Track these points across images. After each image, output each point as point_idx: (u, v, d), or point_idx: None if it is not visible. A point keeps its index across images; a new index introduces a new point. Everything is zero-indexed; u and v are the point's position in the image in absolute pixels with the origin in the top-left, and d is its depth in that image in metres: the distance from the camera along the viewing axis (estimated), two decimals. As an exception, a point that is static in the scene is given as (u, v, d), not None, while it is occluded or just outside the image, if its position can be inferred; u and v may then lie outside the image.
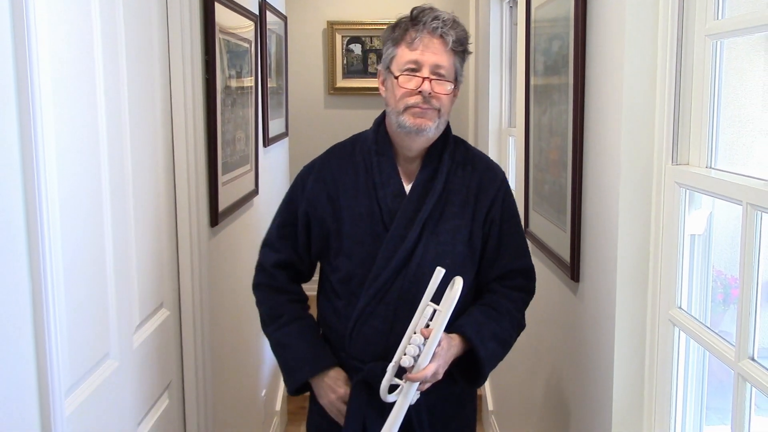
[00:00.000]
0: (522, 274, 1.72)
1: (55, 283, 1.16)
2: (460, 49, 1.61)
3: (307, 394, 1.75)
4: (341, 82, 4.74)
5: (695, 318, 1.44)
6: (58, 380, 1.16)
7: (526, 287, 1.74)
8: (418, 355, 1.48)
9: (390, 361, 1.50)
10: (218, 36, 2.16)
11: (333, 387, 1.66)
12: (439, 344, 1.50)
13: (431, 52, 1.57)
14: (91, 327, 1.39)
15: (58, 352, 1.15)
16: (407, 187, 1.65)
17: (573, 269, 1.85)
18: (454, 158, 1.68)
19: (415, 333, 1.49)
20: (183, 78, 1.90)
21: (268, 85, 3.21)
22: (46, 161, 1.12)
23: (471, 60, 4.35)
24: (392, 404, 1.51)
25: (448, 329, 1.59)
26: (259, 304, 1.80)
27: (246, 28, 2.62)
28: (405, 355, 1.47)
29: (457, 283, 1.49)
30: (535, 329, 2.35)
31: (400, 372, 1.50)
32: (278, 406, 3.53)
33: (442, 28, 1.57)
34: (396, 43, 1.61)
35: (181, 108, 1.91)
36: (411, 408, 1.58)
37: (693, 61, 1.42)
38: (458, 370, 1.64)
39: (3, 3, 1.02)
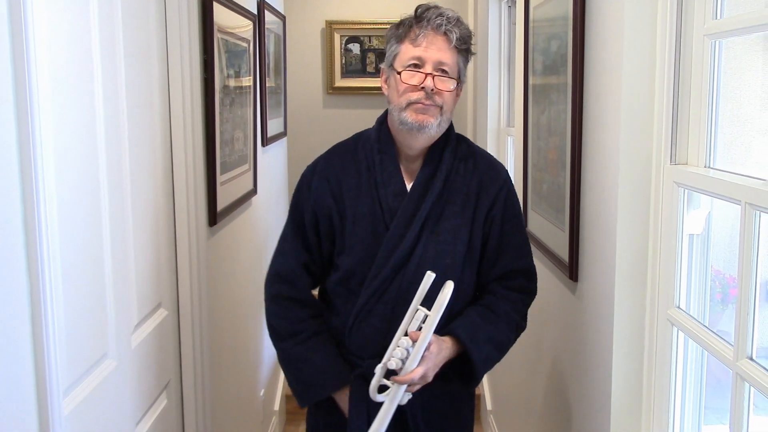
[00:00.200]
0: (523, 274, 1.71)
1: (53, 282, 1.16)
2: (464, 47, 1.61)
3: None
4: (340, 82, 4.74)
5: (694, 317, 1.44)
6: (56, 380, 1.15)
7: (527, 288, 1.74)
8: (407, 358, 1.48)
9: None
10: (217, 35, 2.16)
11: None
12: (428, 348, 1.50)
13: (435, 49, 1.57)
14: (90, 327, 1.38)
15: (56, 352, 1.15)
16: (409, 186, 1.65)
17: (572, 269, 1.85)
18: (456, 156, 1.68)
19: (405, 335, 1.49)
20: (181, 77, 1.90)
21: (267, 85, 3.21)
22: (44, 161, 1.12)
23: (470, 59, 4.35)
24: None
25: (443, 331, 1.59)
26: (274, 317, 1.72)
27: (244, 27, 2.62)
28: (393, 357, 1.48)
29: (447, 288, 1.49)
30: (533, 329, 2.35)
31: (392, 373, 1.50)
32: (277, 405, 3.53)
33: (446, 25, 1.57)
34: (400, 40, 1.61)
35: (180, 107, 1.91)
36: (406, 406, 1.59)
37: (692, 60, 1.42)
38: (453, 371, 1.64)
39: (1, 2, 1.02)
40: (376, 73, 4.58)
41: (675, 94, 1.45)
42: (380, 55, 4.65)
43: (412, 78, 1.57)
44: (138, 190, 1.64)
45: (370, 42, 4.76)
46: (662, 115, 1.48)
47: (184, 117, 1.92)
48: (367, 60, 4.76)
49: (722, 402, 1.43)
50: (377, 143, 1.67)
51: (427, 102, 1.56)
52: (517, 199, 1.75)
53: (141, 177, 1.66)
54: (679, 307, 1.48)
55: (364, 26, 4.71)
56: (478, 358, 1.60)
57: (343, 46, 4.75)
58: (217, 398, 2.27)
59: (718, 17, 1.37)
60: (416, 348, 1.48)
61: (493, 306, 1.66)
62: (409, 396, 1.53)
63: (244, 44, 2.62)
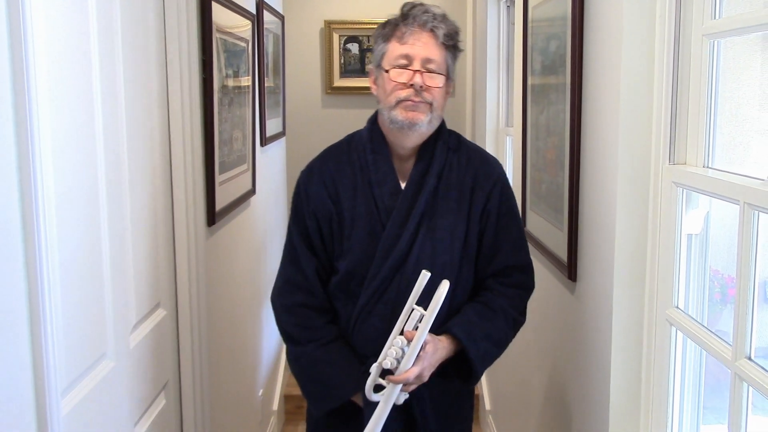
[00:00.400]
0: (519, 269, 1.71)
1: (52, 282, 1.16)
2: (451, 44, 1.61)
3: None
4: (338, 82, 4.74)
5: (692, 317, 1.44)
6: (54, 380, 1.15)
7: (524, 283, 1.73)
8: (402, 357, 1.48)
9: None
10: (215, 35, 2.16)
11: None
12: (423, 347, 1.50)
13: (422, 46, 1.56)
14: (88, 327, 1.38)
15: (54, 352, 1.15)
16: (403, 186, 1.65)
17: (570, 269, 1.85)
18: (448, 152, 1.67)
19: (401, 334, 1.49)
20: (180, 77, 1.90)
21: (266, 85, 3.21)
22: (42, 160, 1.12)
23: (468, 60, 4.35)
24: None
25: (440, 329, 1.59)
26: (293, 326, 1.68)
27: (243, 27, 2.62)
28: (388, 357, 1.47)
29: (443, 287, 1.48)
30: (532, 329, 2.35)
31: (388, 373, 1.50)
32: (275, 406, 3.52)
33: (432, 22, 1.57)
34: (386, 39, 1.61)
35: (178, 107, 1.91)
36: (414, 402, 1.60)
37: (690, 60, 1.42)
38: (452, 369, 1.64)
39: (0, 2, 1.02)
40: (375, 73, 4.57)
41: (673, 94, 1.45)
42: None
43: (401, 76, 1.56)
44: (136, 190, 1.64)
45: (368, 42, 4.76)
46: (661, 115, 1.48)
47: (182, 117, 1.92)
48: (366, 60, 4.76)
49: (721, 402, 1.43)
50: (370, 143, 1.67)
51: (417, 99, 1.56)
52: (513, 194, 1.74)
53: (139, 177, 1.66)
54: (677, 307, 1.48)
55: (362, 26, 4.71)
56: (476, 355, 1.59)
57: (341, 45, 4.75)
58: (216, 398, 2.27)
59: (717, 17, 1.37)
60: (411, 347, 1.48)
61: (490, 302, 1.65)
62: (405, 396, 1.53)
63: (243, 44, 2.62)
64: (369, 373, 1.51)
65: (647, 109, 1.50)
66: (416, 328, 1.49)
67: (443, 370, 1.60)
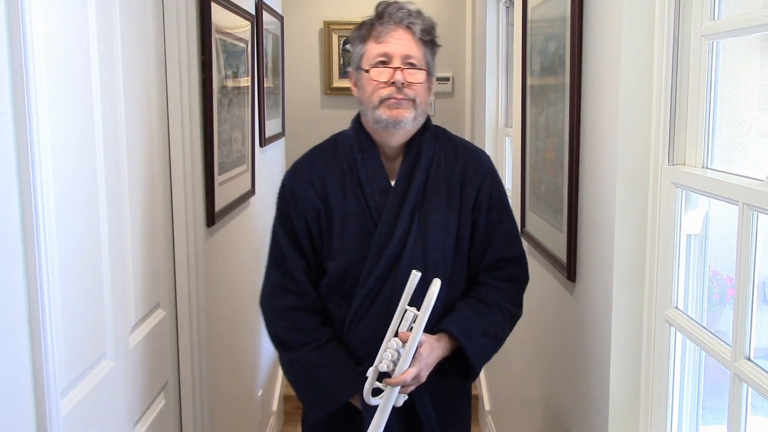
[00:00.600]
0: (513, 262, 1.69)
1: (51, 283, 1.16)
2: (429, 39, 1.60)
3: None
4: (338, 82, 4.74)
5: (691, 318, 1.44)
6: (53, 381, 1.15)
7: (519, 275, 1.71)
8: (398, 359, 1.47)
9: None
10: (215, 36, 2.16)
11: None
12: (419, 348, 1.49)
13: (400, 43, 1.56)
14: (87, 327, 1.38)
15: (53, 353, 1.15)
16: (393, 183, 1.63)
17: (569, 269, 1.85)
18: (435, 147, 1.66)
19: (395, 336, 1.48)
20: (179, 78, 1.90)
21: (265, 85, 3.21)
22: (41, 162, 1.12)
23: (468, 60, 4.35)
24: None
25: (436, 328, 1.58)
26: (284, 330, 1.64)
27: (242, 28, 2.62)
28: (384, 360, 1.46)
29: (434, 286, 1.48)
30: (531, 329, 2.35)
31: (385, 375, 1.49)
32: (275, 406, 3.52)
33: (408, 18, 1.57)
34: (363, 40, 1.60)
35: (178, 108, 1.91)
36: (416, 401, 1.59)
37: (689, 61, 1.43)
38: (450, 367, 1.63)
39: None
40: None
41: (672, 95, 1.45)
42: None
43: (381, 74, 1.56)
44: (136, 191, 1.64)
45: (368, 42, 4.76)
46: (660, 115, 1.48)
47: (182, 117, 1.92)
48: (365, 60, 4.76)
49: (720, 402, 1.43)
50: (357, 141, 1.65)
51: (400, 96, 1.55)
52: (502, 186, 1.73)
53: (139, 177, 1.66)
54: (676, 308, 1.48)
55: (362, 27, 4.71)
56: (473, 353, 1.58)
57: (340, 46, 4.75)
58: (215, 399, 2.27)
59: (716, 18, 1.37)
60: (407, 349, 1.47)
61: (485, 297, 1.64)
62: (404, 397, 1.52)
63: (242, 45, 2.62)
64: (366, 377, 1.50)
65: (646, 109, 1.50)
66: (410, 328, 1.48)
67: (441, 369, 1.59)
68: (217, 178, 2.20)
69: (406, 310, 1.48)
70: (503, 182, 1.81)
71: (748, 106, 1.51)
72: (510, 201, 1.86)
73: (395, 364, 1.47)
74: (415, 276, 1.46)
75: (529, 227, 2.36)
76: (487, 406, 3.54)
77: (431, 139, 1.66)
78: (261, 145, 3.13)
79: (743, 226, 1.20)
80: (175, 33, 1.88)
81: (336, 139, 1.73)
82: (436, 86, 4.70)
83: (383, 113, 1.56)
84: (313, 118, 4.77)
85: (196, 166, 2.01)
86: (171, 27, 1.87)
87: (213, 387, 2.22)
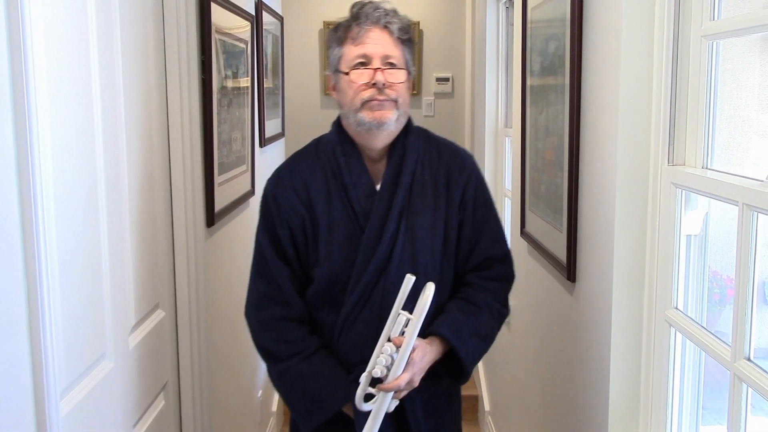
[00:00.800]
0: (499, 261, 1.68)
1: (51, 283, 1.16)
2: (406, 37, 1.59)
3: None
4: (338, 83, 4.75)
5: (691, 318, 1.44)
6: (53, 381, 1.15)
7: (505, 275, 1.70)
8: (392, 365, 1.46)
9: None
10: (214, 36, 2.16)
11: None
12: (411, 352, 1.48)
13: (378, 43, 1.54)
14: (87, 328, 1.38)
15: (53, 353, 1.15)
16: (378, 187, 1.61)
17: (569, 269, 1.85)
18: (419, 149, 1.64)
19: (389, 341, 1.47)
20: (179, 78, 1.90)
21: (265, 86, 3.21)
22: (41, 162, 1.12)
23: (467, 61, 4.35)
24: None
25: (427, 330, 1.56)
26: (271, 341, 1.63)
27: (242, 28, 2.62)
28: (378, 365, 1.45)
29: (428, 290, 1.46)
30: (531, 329, 2.35)
31: (378, 381, 1.48)
32: (274, 407, 3.52)
33: (385, 17, 1.56)
34: (341, 42, 1.58)
35: (177, 108, 1.91)
36: (407, 406, 1.58)
37: (689, 61, 1.43)
38: (443, 369, 1.62)
39: (-2, 2, 1.02)
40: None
41: (672, 95, 1.45)
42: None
43: (361, 76, 1.54)
44: (135, 191, 1.64)
45: (367, 43, 4.76)
46: (660, 116, 1.48)
47: (181, 118, 1.92)
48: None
49: (720, 403, 1.43)
50: (339, 145, 1.63)
51: (381, 97, 1.53)
52: (486, 185, 1.72)
53: (138, 177, 1.66)
54: (676, 308, 1.48)
55: (361, 27, 4.71)
56: (466, 354, 1.57)
57: (340, 46, 4.75)
58: (215, 399, 2.27)
59: (716, 18, 1.37)
60: (401, 354, 1.45)
61: (473, 298, 1.63)
62: (396, 403, 1.50)
63: (242, 45, 2.62)
64: (358, 383, 1.48)
65: (646, 110, 1.50)
66: (403, 333, 1.46)
67: (432, 371, 1.58)
68: (217, 179, 2.21)
69: (399, 315, 1.46)
70: (503, 183, 1.81)
71: (748, 107, 1.52)
72: (510, 201, 1.86)
73: (389, 370, 1.46)
74: (410, 280, 1.44)
75: (529, 227, 2.36)
76: (487, 407, 3.53)
77: (415, 141, 1.65)
78: (261, 146, 3.13)
79: (743, 226, 1.20)
80: (175, 33, 1.88)
81: (317, 144, 1.71)
82: (436, 86, 4.71)
83: (366, 115, 1.54)
84: (313, 119, 4.77)
85: (195, 166, 2.01)
86: (171, 27, 1.87)
87: (213, 387, 2.22)
